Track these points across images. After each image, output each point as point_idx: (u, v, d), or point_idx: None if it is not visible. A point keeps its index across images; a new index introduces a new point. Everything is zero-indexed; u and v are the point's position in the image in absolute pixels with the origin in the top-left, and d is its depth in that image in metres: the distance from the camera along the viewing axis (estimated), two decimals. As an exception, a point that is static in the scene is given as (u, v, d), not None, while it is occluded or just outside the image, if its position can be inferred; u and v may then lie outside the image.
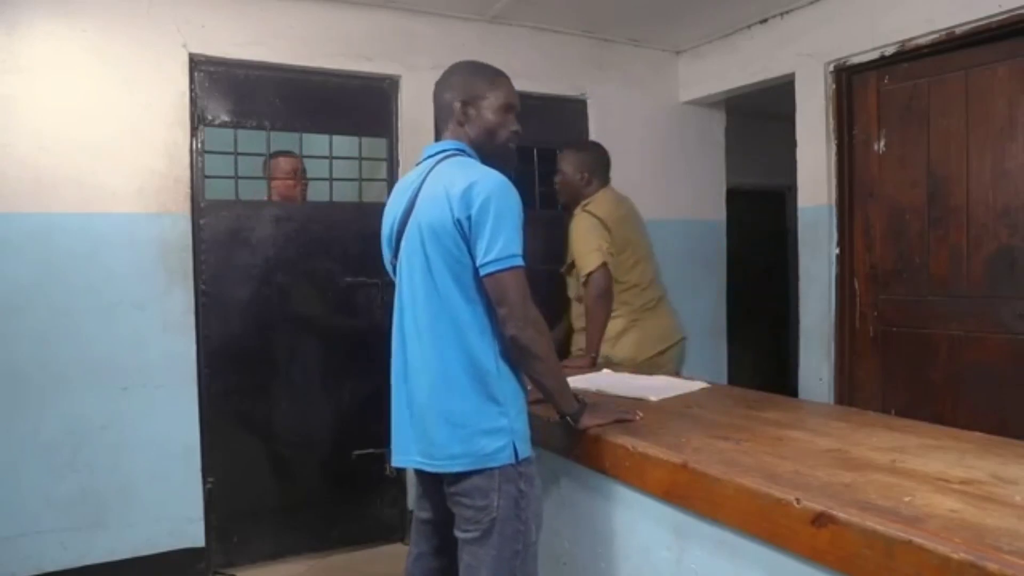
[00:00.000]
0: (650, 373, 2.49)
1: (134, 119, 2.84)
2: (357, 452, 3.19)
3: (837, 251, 3.33)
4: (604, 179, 2.91)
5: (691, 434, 1.59)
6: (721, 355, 4.32)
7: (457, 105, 1.64)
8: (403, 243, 1.62)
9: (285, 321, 3.16)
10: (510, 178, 1.56)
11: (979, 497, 1.14)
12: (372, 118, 3.35)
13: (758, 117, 4.68)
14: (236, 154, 3.10)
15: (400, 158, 3.33)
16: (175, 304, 2.91)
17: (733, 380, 4.09)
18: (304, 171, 3.27)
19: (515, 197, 1.52)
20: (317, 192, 3.29)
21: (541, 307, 1.54)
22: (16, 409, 2.67)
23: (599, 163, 2.91)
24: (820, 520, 1.12)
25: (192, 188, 2.95)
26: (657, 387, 2.13)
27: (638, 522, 1.60)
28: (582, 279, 2.68)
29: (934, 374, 2.99)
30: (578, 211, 2.79)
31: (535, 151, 3.71)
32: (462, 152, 1.64)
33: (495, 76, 1.69)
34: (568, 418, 1.65)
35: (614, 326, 2.76)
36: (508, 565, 1.51)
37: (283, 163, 3.19)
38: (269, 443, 3.13)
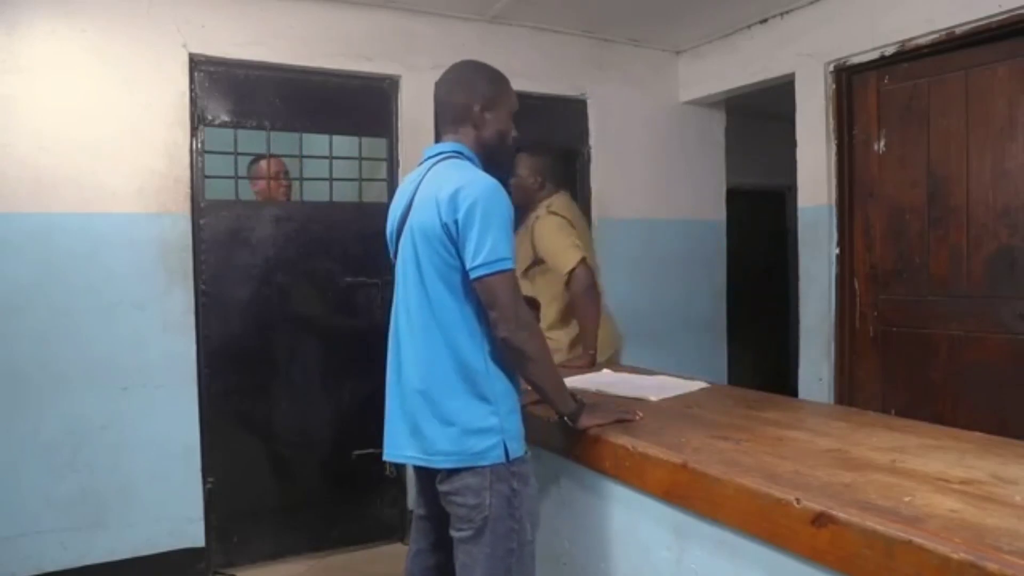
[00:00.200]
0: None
1: (134, 119, 2.84)
2: (357, 452, 3.20)
3: (837, 251, 3.33)
4: (557, 183, 2.94)
5: (691, 434, 1.59)
6: (721, 355, 4.32)
7: (476, 109, 1.65)
8: (400, 244, 1.65)
9: (285, 321, 3.16)
10: (507, 179, 1.56)
11: (979, 497, 1.14)
12: (372, 118, 3.35)
13: (758, 117, 4.67)
14: (236, 154, 3.10)
15: (400, 158, 3.33)
16: (175, 304, 2.91)
17: (733, 380, 4.09)
18: (287, 172, 3.27)
19: (504, 200, 1.53)
20: (317, 192, 3.29)
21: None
22: (16, 409, 2.67)
23: (553, 168, 2.95)
24: (820, 520, 1.12)
25: (192, 188, 2.96)
26: (657, 387, 2.13)
27: (638, 522, 1.60)
28: (564, 277, 2.68)
29: (934, 374, 2.99)
30: (543, 213, 2.78)
31: (535, 151, 3.71)
32: (459, 154, 1.64)
33: (505, 81, 1.73)
34: (566, 418, 1.65)
35: (574, 330, 2.78)
36: (502, 564, 1.51)
37: (265, 166, 3.20)
38: (269, 443, 3.13)
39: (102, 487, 2.78)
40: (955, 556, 0.94)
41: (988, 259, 2.82)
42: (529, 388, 1.64)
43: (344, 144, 3.35)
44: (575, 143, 3.88)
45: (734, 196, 4.49)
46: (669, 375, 2.44)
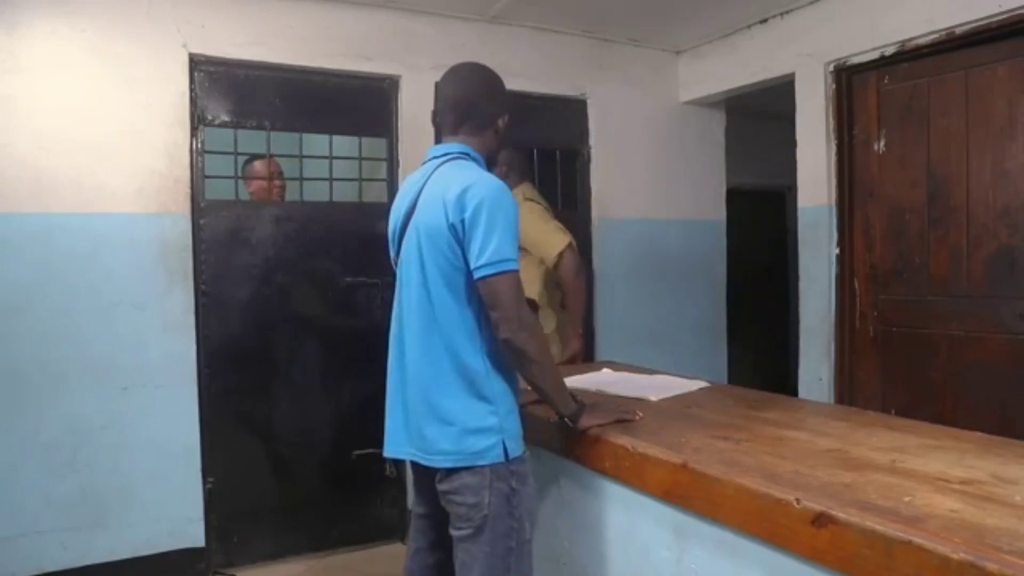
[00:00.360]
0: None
1: (134, 119, 2.84)
2: (357, 452, 3.20)
3: (837, 251, 3.33)
4: (520, 174, 2.98)
5: (691, 434, 1.59)
6: (721, 355, 4.32)
7: (495, 112, 1.69)
8: (403, 244, 1.65)
9: (285, 321, 3.16)
10: None
11: (979, 497, 1.14)
12: (372, 118, 3.35)
13: (758, 117, 4.68)
14: (236, 154, 3.11)
15: (400, 158, 3.33)
16: (175, 304, 2.91)
17: (733, 380, 4.08)
18: (281, 173, 3.27)
19: (510, 202, 1.53)
20: (317, 192, 3.29)
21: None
22: (16, 409, 2.67)
23: (516, 159, 2.98)
24: (820, 520, 1.12)
25: (192, 188, 2.96)
26: (657, 387, 2.13)
27: (638, 522, 1.60)
28: (552, 262, 2.73)
29: (934, 374, 2.99)
30: (520, 200, 2.80)
31: (535, 151, 3.71)
32: (466, 156, 1.65)
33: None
34: (567, 419, 1.65)
35: (548, 324, 2.82)
36: (502, 562, 1.52)
37: (259, 167, 3.20)
38: (269, 443, 3.13)
39: (102, 487, 2.78)
40: (955, 556, 0.94)
41: (988, 259, 2.82)
42: (528, 388, 1.64)
43: (344, 144, 3.36)
44: (575, 143, 3.88)
45: (734, 196, 4.49)
46: (669, 375, 2.43)
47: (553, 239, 2.71)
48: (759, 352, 5.48)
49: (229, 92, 3.06)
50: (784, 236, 5.71)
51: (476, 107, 1.67)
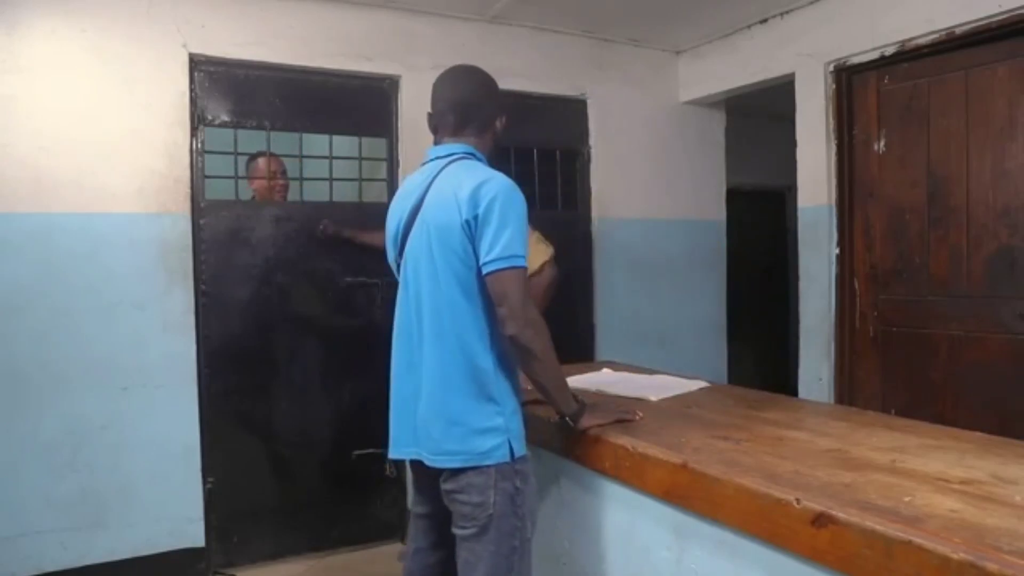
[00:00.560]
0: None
1: (134, 119, 2.84)
2: (357, 452, 3.20)
3: (837, 251, 3.33)
4: None
5: (691, 434, 1.59)
6: (721, 355, 4.32)
7: (497, 114, 1.72)
8: (408, 243, 1.64)
9: (285, 321, 3.16)
10: None
11: (979, 497, 1.14)
12: (372, 118, 3.35)
13: (758, 117, 4.68)
14: (236, 154, 3.10)
15: (400, 158, 3.33)
16: (175, 304, 2.91)
17: (733, 380, 4.09)
18: (285, 171, 3.27)
19: (521, 200, 1.55)
20: (317, 192, 3.29)
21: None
22: (16, 409, 2.67)
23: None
24: (820, 520, 1.12)
25: (192, 188, 2.95)
26: (657, 387, 2.13)
27: (638, 522, 1.60)
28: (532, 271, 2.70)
29: (934, 374, 2.99)
30: None
31: (535, 151, 3.71)
32: (472, 156, 1.66)
33: None
34: (567, 419, 1.66)
35: None
36: (506, 561, 1.53)
37: (263, 164, 3.19)
38: (269, 443, 3.13)
39: (102, 487, 2.78)
40: (955, 556, 0.94)
41: (988, 259, 2.82)
42: (528, 387, 1.64)
43: (344, 144, 3.35)
44: (575, 143, 3.88)
45: (734, 196, 4.49)
46: (669, 375, 2.44)
47: (536, 251, 2.66)
48: (759, 352, 5.48)
49: (229, 92, 3.06)
50: (784, 236, 5.71)
51: (478, 108, 1.69)
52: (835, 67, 3.28)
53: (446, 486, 1.57)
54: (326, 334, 3.23)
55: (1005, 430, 1.65)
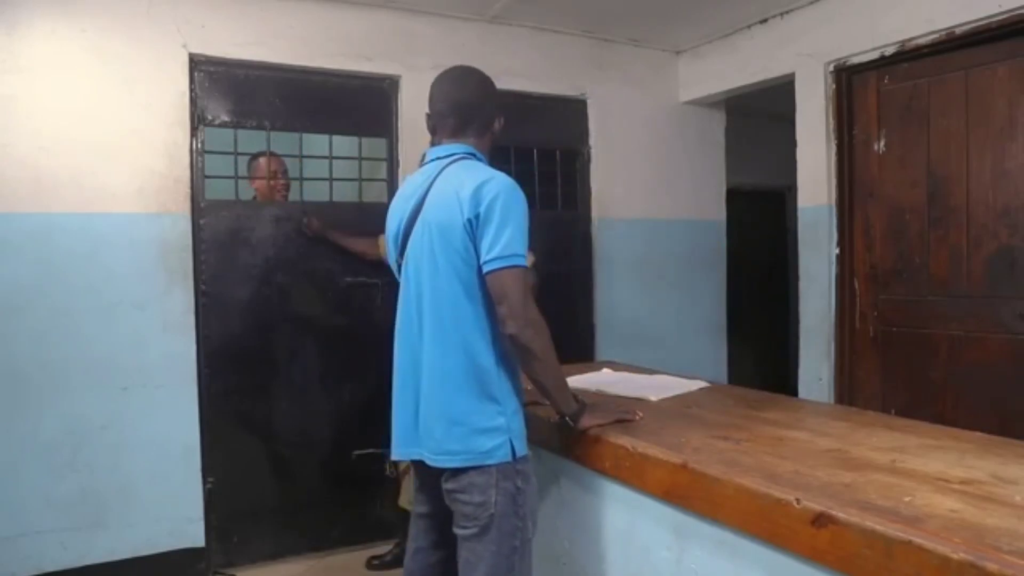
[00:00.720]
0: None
1: (134, 119, 2.84)
2: (357, 452, 3.20)
3: (837, 251, 3.33)
4: None
5: (691, 434, 1.59)
6: (721, 355, 4.32)
7: (501, 121, 1.73)
8: (410, 243, 1.64)
9: (285, 321, 3.16)
10: None
11: (979, 497, 1.14)
12: (372, 118, 3.35)
13: (758, 117, 4.68)
14: (236, 154, 3.10)
15: (400, 158, 3.33)
16: (175, 304, 2.91)
17: (733, 380, 4.09)
18: (286, 171, 3.27)
19: (522, 199, 1.55)
20: (317, 192, 3.29)
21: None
22: (16, 409, 2.67)
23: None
24: (820, 520, 1.12)
25: (192, 188, 2.95)
26: (657, 387, 2.13)
27: (638, 522, 1.60)
28: None
29: (934, 374, 2.99)
30: None
31: (535, 151, 3.71)
32: (472, 156, 1.66)
33: None
34: (567, 418, 1.66)
35: None
36: (506, 561, 1.53)
37: (264, 164, 3.19)
38: (269, 443, 3.13)
39: (102, 487, 2.78)
40: (955, 556, 0.94)
41: (988, 259, 2.82)
42: (529, 387, 1.64)
43: (344, 144, 3.35)
44: (575, 143, 3.88)
45: (734, 196, 4.49)
46: (669, 375, 2.44)
47: None
48: (759, 352, 5.48)
49: (229, 92, 3.06)
50: (784, 236, 5.71)
51: (479, 110, 1.69)
52: (835, 67, 3.28)
53: (447, 486, 1.57)
54: (326, 334, 3.23)
55: (1005, 430, 1.65)
